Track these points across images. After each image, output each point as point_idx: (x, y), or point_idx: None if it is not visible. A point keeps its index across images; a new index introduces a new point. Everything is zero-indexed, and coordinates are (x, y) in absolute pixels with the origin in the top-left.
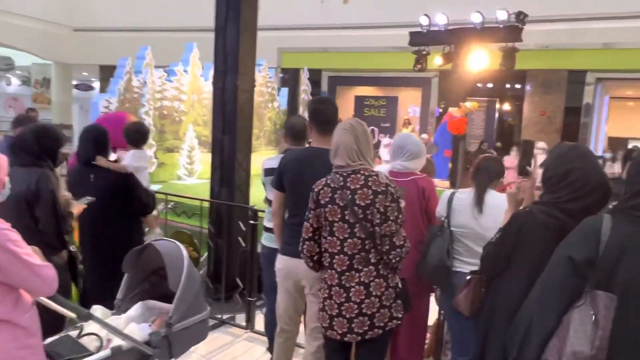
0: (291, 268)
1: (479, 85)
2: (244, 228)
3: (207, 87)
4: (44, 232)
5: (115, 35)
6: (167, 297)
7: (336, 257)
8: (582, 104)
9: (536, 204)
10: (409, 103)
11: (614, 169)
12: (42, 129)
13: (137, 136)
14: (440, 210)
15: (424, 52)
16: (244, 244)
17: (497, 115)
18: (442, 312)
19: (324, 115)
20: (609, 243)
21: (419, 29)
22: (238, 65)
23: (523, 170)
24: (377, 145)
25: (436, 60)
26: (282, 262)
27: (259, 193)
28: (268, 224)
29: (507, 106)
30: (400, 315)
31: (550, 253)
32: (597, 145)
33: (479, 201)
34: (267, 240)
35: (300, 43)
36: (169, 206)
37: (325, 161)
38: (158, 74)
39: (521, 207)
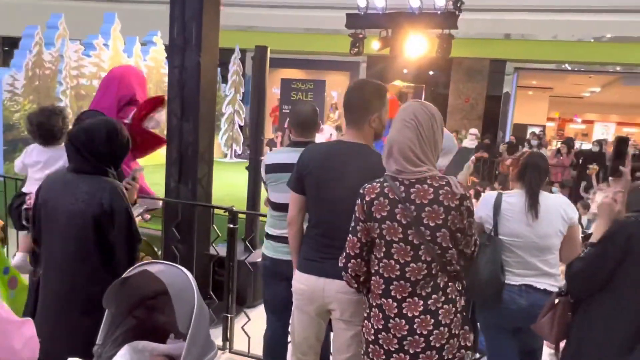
0: (318, 289)
1: (408, 71)
2: (219, 233)
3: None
4: (119, 264)
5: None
6: (156, 333)
7: (394, 282)
8: (502, 93)
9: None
10: (337, 87)
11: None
12: (115, 127)
13: None
14: (485, 216)
15: (360, 36)
16: (216, 252)
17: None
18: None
19: (363, 101)
20: None
21: (356, 11)
22: (201, 39)
23: (616, 171)
24: None
25: (373, 45)
26: (304, 282)
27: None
28: (271, 230)
29: (433, 93)
30: (469, 344)
31: None
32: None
33: (534, 204)
34: (269, 250)
35: (227, 20)
36: None
37: (362, 161)
38: (74, 47)
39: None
